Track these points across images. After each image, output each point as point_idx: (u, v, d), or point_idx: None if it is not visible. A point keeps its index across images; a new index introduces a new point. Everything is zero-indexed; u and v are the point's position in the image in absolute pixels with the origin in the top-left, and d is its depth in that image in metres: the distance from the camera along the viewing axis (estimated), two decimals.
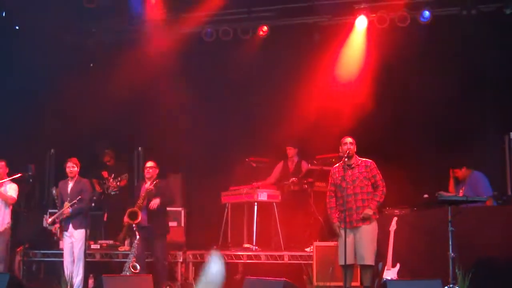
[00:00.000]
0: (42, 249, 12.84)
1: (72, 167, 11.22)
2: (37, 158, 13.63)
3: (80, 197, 11.00)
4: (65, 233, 11.13)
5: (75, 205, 10.94)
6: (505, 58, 12.73)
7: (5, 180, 11.42)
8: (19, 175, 11.50)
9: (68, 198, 11.08)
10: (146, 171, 11.49)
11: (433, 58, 13.17)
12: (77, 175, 11.30)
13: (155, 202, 11.10)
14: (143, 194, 11.16)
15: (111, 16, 14.51)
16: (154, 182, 11.27)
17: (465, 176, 11.61)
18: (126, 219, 11.13)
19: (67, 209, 10.99)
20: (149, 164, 11.53)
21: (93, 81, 14.60)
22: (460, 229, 9.09)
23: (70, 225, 11.06)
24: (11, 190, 11.49)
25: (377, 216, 9.52)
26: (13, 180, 11.62)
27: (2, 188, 11.46)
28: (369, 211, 9.33)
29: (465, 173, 11.60)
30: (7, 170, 11.55)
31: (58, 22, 13.86)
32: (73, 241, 11.07)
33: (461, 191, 11.46)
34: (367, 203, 9.37)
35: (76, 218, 11.08)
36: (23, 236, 12.82)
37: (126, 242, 12.33)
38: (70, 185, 11.22)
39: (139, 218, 10.96)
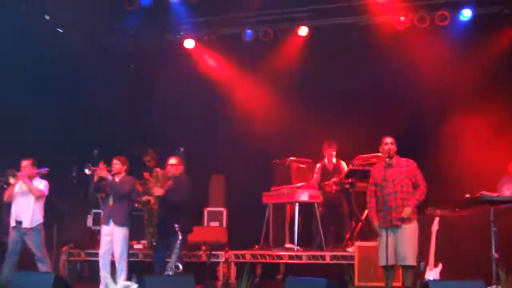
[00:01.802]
0: (86, 249, 12.98)
1: (116, 163, 11.08)
2: (81, 160, 13.79)
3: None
4: (104, 229, 10.94)
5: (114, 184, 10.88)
6: None
7: (29, 172, 11.04)
8: (45, 169, 11.39)
9: (112, 193, 10.95)
10: (167, 168, 10.91)
11: (473, 57, 13.09)
12: (123, 173, 11.15)
13: (157, 190, 10.62)
14: (161, 181, 10.73)
15: (151, 18, 14.66)
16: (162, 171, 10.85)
17: None
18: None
19: (159, 189, 10.67)
20: (172, 161, 10.96)
21: (135, 83, 14.79)
22: (503, 229, 9.06)
23: (111, 220, 10.82)
24: (41, 185, 11.17)
25: (417, 216, 9.44)
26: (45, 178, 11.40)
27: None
28: (408, 209, 9.27)
29: None
30: (34, 169, 11.21)
31: (99, 24, 14.06)
32: (115, 240, 10.83)
33: (505, 187, 11.41)
34: (406, 202, 9.32)
35: (118, 214, 10.89)
36: (68, 236, 13.07)
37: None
38: (116, 179, 11.04)
39: (152, 203, 10.58)
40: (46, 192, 11.24)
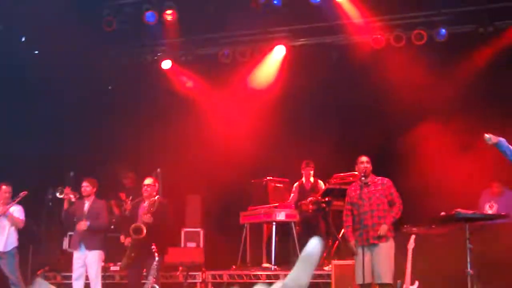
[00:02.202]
0: (62, 272, 12.84)
1: (87, 186, 11.02)
2: (57, 181, 13.70)
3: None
4: (76, 254, 10.85)
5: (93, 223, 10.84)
6: None
7: (10, 203, 11.10)
8: (23, 193, 11.27)
9: (85, 218, 10.86)
10: (143, 189, 10.71)
11: (448, 76, 13.16)
12: (93, 195, 11.06)
13: (148, 217, 10.31)
14: (148, 208, 10.41)
15: (128, 40, 14.67)
16: (157, 198, 10.63)
17: (499, 193, 11.62)
18: (128, 239, 10.51)
19: (85, 223, 10.74)
20: (147, 181, 10.77)
21: (113, 104, 14.74)
22: (478, 246, 9.06)
23: (84, 246, 10.76)
24: (16, 212, 11.15)
25: (393, 234, 9.45)
26: (20, 203, 11.33)
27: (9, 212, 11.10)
28: (384, 227, 9.29)
29: (499, 190, 11.61)
30: (9, 195, 11.19)
31: (77, 45, 14.02)
32: (88, 264, 10.75)
33: (488, 205, 11.46)
34: (383, 220, 9.33)
35: (91, 238, 10.84)
36: (43, 259, 12.94)
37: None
38: (87, 204, 10.97)
39: (144, 233, 10.23)
40: (23, 218, 11.16)
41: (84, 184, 11.07)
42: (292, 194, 13.01)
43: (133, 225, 10.36)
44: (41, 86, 13.71)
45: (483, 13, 13.09)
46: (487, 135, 7.87)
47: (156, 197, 10.63)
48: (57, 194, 11.07)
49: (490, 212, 11.33)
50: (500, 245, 9.95)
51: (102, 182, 13.71)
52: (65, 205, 11.00)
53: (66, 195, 10.89)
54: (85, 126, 14.27)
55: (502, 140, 7.84)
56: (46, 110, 13.94)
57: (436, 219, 10.05)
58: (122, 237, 10.82)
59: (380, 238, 9.29)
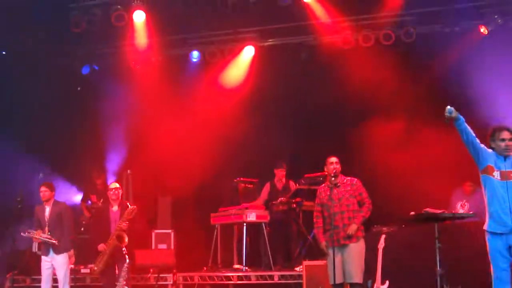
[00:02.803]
0: (31, 275, 12.73)
1: (45, 191, 10.98)
2: (26, 182, 13.60)
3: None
4: (45, 258, 10.88)
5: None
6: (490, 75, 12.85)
7: None
8: None
9: (47, 223, 10.85)
10: (111, 193, 10.99)
11: (416, 76, 13.27)
12: (52, 199, 11.04)
13: (126, 225, 10.61)
14: (126, 216, 10.65)
15: (98, 40, 14.59)
16: (127, 203, 11.02)
17: (471, 191, 11.73)
18: (105, 246, 10.68)
19: (53, 240, 10.78)
20: (114, 185, 11.12)
21: (82, 105, 14.64)
22: (447, 245, 9.14)
23: (52, 251, 10.81)
24: None
25: (363, 234, 9.50)
26: None
27: None
28: (354, 227, 9.33)
29: (471, 188, 11.72)
30: None
31: (44, 46, 13.94)
32: (56, 266, 10.82)
33: (460, 204, 11.57)
34: (353, 221, 9.37)
35: (59, 244, 10.84)
36: (12, 262, 12.83)
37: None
38: (47, 209, 10.94)
39: (126, 240, 10.46)
40: None
41: (42, 188, 11.07)
42: (262, 193, 13.03)
43: (116, 233, 10.53)
44: (8, 87, 13.59)
45: (449, 13, 13.21)
46: (449, 107, 7.75)
47: (127, 203, 10.95)
48: (22, 234, 11.16)
49: (461, 211, 11.45)
50: (469, 243, 10.03)
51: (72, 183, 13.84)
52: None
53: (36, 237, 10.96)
54: (54, 128, 14.14)
55: (463, 118, 7.76)
56: (13, 111, 13.84)
57: (405, 218, 10.12)
58: (100, 246, 10.77)
59: (350, 238, 9.33)
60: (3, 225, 12.74)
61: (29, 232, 11.00)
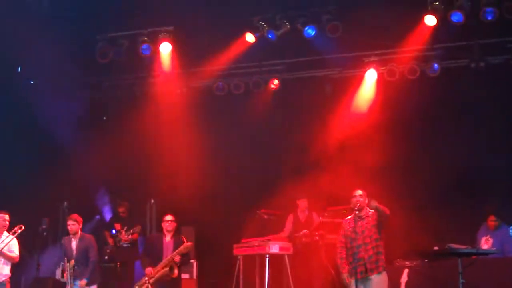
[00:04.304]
0: None
1: (72, 224, 11.17)
2: (51, 211, 13.71)
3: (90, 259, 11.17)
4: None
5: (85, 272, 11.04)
6: None
7: (8, 237, 10.81)
8: (20, 228, 11.18)
9: (75, 256, 11.00)
10: (167, 224, 11.54)
11: (444, 109, 13.29)
12: (79, 231, 11.25)
13: (178, 258, 11.23)
14: (181, 250, 11.26)
15: (124, 71, 14.77)
16: (183, 238, 11.59)
17: (494, 226, 11.70)
18: (152, 271, 11.16)
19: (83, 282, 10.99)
20: (169, 217, 11.61)
21: (107, 134, 14.76)
22: (472, 280, 9.10)
23: (74, 281, 10.95)
24: (14, 246, 10.93)
25: (385, 266, 9.47)
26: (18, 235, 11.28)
27: (5, 247, 10.80)
28: (374, 202, 9.39)
29: (494, 223, 11.69)
30: (8, 225, 11.01)
31: (72, 76, 14.12)
32: None
33: (484, 239, 11.53)
34: (377, 250, 9.37)
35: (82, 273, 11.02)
36: None
37: None
38: (74, 242, 11.14)
39: (176, 272, 11.14)
40: (18, 253, 11.12)
41: (70, 222, 11.30)
42: (286, 225, 13.01)
43: (170, 264, 11.19)
44: (36, 116, 13.78)
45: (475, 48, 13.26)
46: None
47: (182, 238, 11.63)
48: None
49: (485, 246, 11.39)
50: (491, 279, 9.99)
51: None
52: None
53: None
54: (78, 157, 14.27)
55: None
56: (39, 139, 14.00)
57: (429, 253, 10.12)
58: (148, 269, 11.11)
59: (372, 270, 9.30)
60: (28, 252, 12.79)
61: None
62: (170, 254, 11.26)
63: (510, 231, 11.51)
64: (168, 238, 11.47)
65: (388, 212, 9.41)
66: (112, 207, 14.78)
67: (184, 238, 11.55)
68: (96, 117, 15.38)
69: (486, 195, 12.58)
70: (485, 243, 11.58)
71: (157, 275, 11.13)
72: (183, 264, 11.53)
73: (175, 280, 11.26)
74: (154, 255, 11.38)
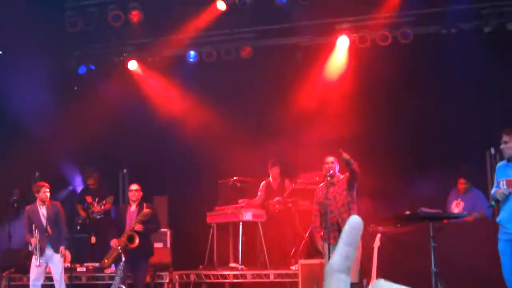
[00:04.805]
0: (28, 273, 12.72)
1: (48, 192, 11.22)
2: (22, 183, 13.61)
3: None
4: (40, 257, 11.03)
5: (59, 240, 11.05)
6: (484, 75, 12.94)
7: None
8: None
9: (45, 224, 11.01)
10: (131, 194, 11.39)
11: (414, 76, 13.33)
12: (47, 199, 11.29)
13: (139, 227, 10.97)
14: (140, 218, 11.02)
15: (94, 40, 14.63)
16: (145, 205, 11.21)
17: (465, 189, 11.76)
18: (117, 242, 10.98)
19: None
20: (134, 187, 11.45)
21: (78, 104, 14.64)
22: (442, 244, 9.19)
23: (48, 247, 11.02)
24: None
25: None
26: None
27: None
28: (346, 154, 9.42)
29: (464, 186, 11.75)
30: None
31: (42, 46, 13.94)
32: (52, 265, 11.03)
33: (455, 203, 11.61)
34: (349, 213, 9.45)
35: (55, 240, 11.06)
36: (9, 260, 12.83)
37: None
38: (43, 209, 11.13)
39: (137, 242, 10.88)
40: None
41: (45, 189, 11.28)
42: (259, 193, 13.04)
43: (127, 234, 10.94)
44: (4, 86, 13.61)
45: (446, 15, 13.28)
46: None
47: (145, 206, 11.22)
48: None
49: (456, 210, 11.48)
50: (463, 243, 10.09)
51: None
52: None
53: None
54: (50, 127, 14.15)
55: None
56: (10, 110, 13.85)
57: (401, 218, 10.19)
58: (93, 239, 11.02)
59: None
60: (0, 224, 12.73)
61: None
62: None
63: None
64: (133, 207, 11.34)
65: (358, 169, 9.46)
66: (83, 178, 14.71)
67: (145, 205, 11.26)
68: (66, 87, 15.20)
69: (457, 160, 12.71)
70: (456, 207, 11.66)
71: (121, 246, 10.94)
72: (151, 231, 11.37)
73: (146, 250, 11.16)
74: (120, 226, 11.26)
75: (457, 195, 11.82)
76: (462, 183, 11.82)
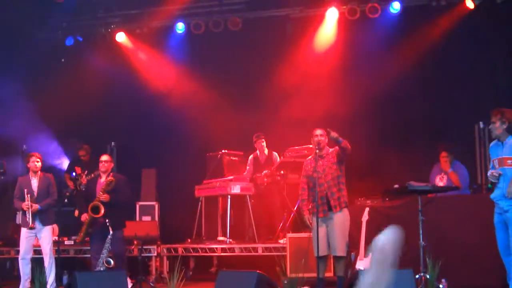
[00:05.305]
0: (16, 247, 12.70)
1: (37, 161, 11.03)
2: (9, 155, 13.51)
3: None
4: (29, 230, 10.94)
5: (44, 202, 10.90)
6: (474, 49, 12.91)
7: None
8: None
9: (36, 195, 10.92)
10: (101, 165, 11.00)
11: (403, 49, 13.27)
12: (39, 171, 11.12)
13: (105, 196, 10.62)
14: (103, 187, 10.69)
15: (81, 11, 14.49)
16: (111, 174, 10.92)
17: (447, 163, 11.74)
18: (85, 216, 10.75)
19: (35, 205, 10.84)
20: (104, 158, 11.10)
21: (65, 76, 14.53)
22: (430, 218, 9.21)
23: (37, 222, 10.88)
24: None
25: (347, 205, 9.54)
26: None
27: None
28: (334, 133, 9.33)
29: (447, 159, 11.72)
30: None
31: (28, 17, 13.80)
32: (42, 238, 10.92)
33: (439, 177, 11.60)
34: (338, 187, 9.43)
35: (44, 214, 10.94)
36: None
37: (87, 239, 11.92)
38: (35, 180, 11.01)
39: (102, 212, 10.54)
40: None
41: (34, 159, 11.11)
42: (247, 167, 12.99)
43: (91, 204, 10.63)
44: None
45: None
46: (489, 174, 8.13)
47: (111, 175, 10.87)
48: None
49: (441, 184, 11.47)
50: (450, 216, 10.11)
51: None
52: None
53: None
54: (36, 100, 14.04)
55: None
56: None
57: (389, 191, 10.19)
58: (76, 212, 10.88)
59: (335, 207, 9.36)
60: None
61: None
62: None
63: None
64: (103, 179, 10.95)
65: (348, 146, 9.41)
66: (73, 150, 14.60)
67: (111, 174, 10.95)
68: (53, 59, 15.07)
69: (445, 134, 12.72)
70: (440, 181, 11.64)
71: (89, 221, 10.73)
72: (119, 203, 10.80)
73: (113, 221, 10.56)
74: (90, 198, 10.83)
75: (440, 170, 11.78)
76: (444, 156, 11.77)
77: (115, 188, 10.73)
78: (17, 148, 13.09)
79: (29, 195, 10.81)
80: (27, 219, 10.79)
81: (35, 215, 10.85)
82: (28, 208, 10.76)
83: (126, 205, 11.25)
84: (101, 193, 10.63)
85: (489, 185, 8.73)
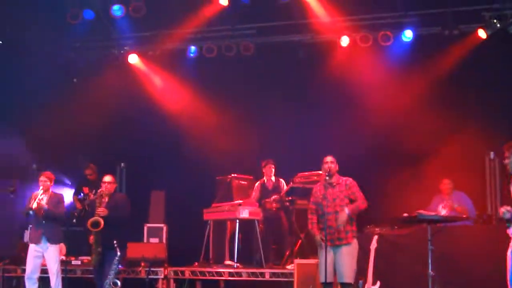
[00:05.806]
0: (22, 265, 12.68)
1: (45, 181, 10.97)
2: (19, 173, 13.54)
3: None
4: (34, 246, 10.89)
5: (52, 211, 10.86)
6: (486, 78, 12.91)
7: None
8: None
9: (44, 213, 10.83)
10: (104, 185, 10.87)
11: (415, 77, 13.28)
12: (50, 189, 11.07)
13: (101, 209, 10.55)
14: (98, 200, 10.67)
15: (95, 32, 14.56)
16: (100, 190, 10.84)
17: (449, 190, 11.68)
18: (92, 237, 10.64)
19: (44, 204, 10.80)
20: (107, 178, 10.92)
21: (77, 96, 14.59)
22: (439, 247, 9.16)
23: (43, 238, 10.84)
24: None
25: (356, 235, 9.48)
26: None
27: None
28: (344, 215, 9.28)
29: (448, 187, 11.67)
30: None
31: (42, 36, 13.88)
32: (48, 257, 10.87)
33: (441, 206, 11.54)
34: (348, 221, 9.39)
35: (51, 231, 10.88)
36: (3, 252, 12.80)
37: None
38: (44, 197, 10.93)
39: (102, 225, 10.41)
40: None
41: (42, 178, 11.06)
42: (253, 193, 12.98)
43: (89, 220, 10.54)
44: (4, 76, 13.55)
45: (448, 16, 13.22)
46: (503, 210, 7.99)
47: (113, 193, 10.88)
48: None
49: (443, 212, 11.42)
50: (459, 246, 10.08)
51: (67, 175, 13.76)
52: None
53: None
54: (49, 119, 14.09)
55: None
56: (9, 101, 13.78)
57: (398, 220, 10.17)
58: (91, 238, 10.71)
59: (341, 240, 9.32)
60: None
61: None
62: None
63: None
64: (106, 199, 10.83)
65: (363, 206, 9.42)
66: (80, 168, 14.60)
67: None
68: (66, 79, 15.13)
69: (454, 164, 12.67)
70: (443, 209, 11.55)
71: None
72: (117, 220, 10.59)
73: (110, 240, 10.37)
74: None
75: (442, 198, 11.72)
76: (446, 184, 11.71)
77: (114, 204, 10.70)
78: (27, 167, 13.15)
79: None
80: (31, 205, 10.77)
81: (42, 233, 10.83)
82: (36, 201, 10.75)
83: (125, 222, 10.89)
84: (97, 207, 10.59)
85: (508, 224, 8.54)
